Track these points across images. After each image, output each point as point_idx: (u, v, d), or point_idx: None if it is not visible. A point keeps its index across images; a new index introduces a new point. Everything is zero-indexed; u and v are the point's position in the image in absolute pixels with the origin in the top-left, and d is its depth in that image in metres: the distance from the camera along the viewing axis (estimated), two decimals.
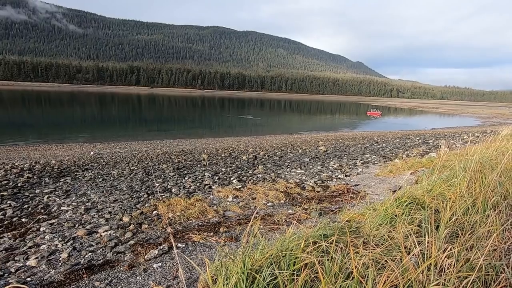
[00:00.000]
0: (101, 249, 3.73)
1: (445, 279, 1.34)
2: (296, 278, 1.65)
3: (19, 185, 6.93)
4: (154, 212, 5.11)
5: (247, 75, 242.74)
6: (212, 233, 4.12)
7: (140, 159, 11.06)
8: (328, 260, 1.80)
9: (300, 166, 9.46)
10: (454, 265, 1.41)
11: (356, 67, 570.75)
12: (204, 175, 8.10)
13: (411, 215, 2.82)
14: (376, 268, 1.54)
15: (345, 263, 1.70)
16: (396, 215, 3.08)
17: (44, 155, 12.77)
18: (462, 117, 61.50)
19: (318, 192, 6.30)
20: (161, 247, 3.62)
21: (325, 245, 1.87)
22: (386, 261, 1.53)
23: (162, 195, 6.09)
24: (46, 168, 9.02)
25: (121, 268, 3.23)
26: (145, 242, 3.87)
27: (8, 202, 5.70)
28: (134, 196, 6.20)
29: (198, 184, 7.09)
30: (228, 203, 5.58)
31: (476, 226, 2.44)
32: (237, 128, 31.00)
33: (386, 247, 2.17)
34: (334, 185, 6.82)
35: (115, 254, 3.58)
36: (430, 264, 1.42)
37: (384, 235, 2.71)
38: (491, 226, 2.14)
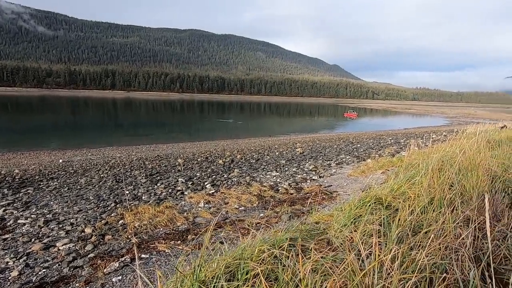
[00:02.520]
0: (57, 265, 3.49)
1: (389, 282, 1.33)
2: None
3: None
4: (120, 221, 4.88)
5: (227, 78, 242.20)
6: (179, 241, 3.98)
7: (112, 166, 10.63)
8: (281, 268, 1.75)
9: (276, 168, 9.46)
10: (398, 267, 1.40)
11: (333, 70, 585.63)
12: (178, 181, 7.89)
13: (373, 215, 2.85)
14: (324, 274, 1.51)
15: (296, 270, 1.66)
16: (360, 216, 3.11)
17: (6, 164, 11.95)
18: (432, 116, 64.66)
19: (292, 194, 6.30)
20: (123, 259, 3.45)
21: (278, 252, 1.83)
22: (330, 267, 1.51)
23: (130, 203, 5.84)
24: (7, 179, 8.44)
25: (77, 285, 3.03)
26: (107, 255, 3.67)
27: None
28: (100, 205, 5.91)
29: (170, 190, 6.89)
30: (200, 209, 5.44)
31: (432, 224, 2.50)
32: (216, 131, 30.69)
33: (344, 248, 2.17)
34: (308, 187, 6.87)
35: (71, 269, 3.35)
36: (377, 266, 1.41)
37: (346, 236, 2.72)
38: (444, 223, 2.19)
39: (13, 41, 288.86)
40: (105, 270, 3.25)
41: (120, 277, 3.12)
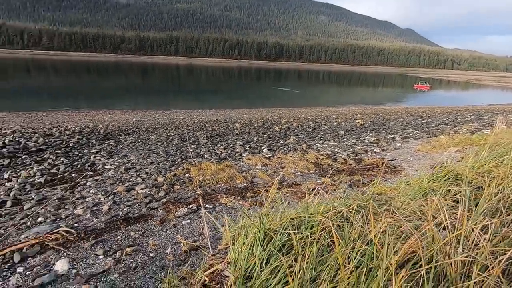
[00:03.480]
0: (137, 204, 4.04)
1: (476, 253, 1.21)
2: (312, 241, 1.62)
3: (70, 145, 7.66)
4: (186, 175, 5.36)
5: (285, 45, 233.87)
6: (239, 197, 4.23)
7: (177, 127, 11.51)
8: (347, 226, 1.73)
9: (334, 138, 9.15)
10: (489, 240, 1.26)
11: (406, 35, 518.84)
12: (236, 143, 8.22)
13: (448, 190, 2.59)
14: (400, 238, 1.45)
15: (365, 230, 1.62)
16: (432, 190, 2.86)
17: (92, 120, 13.85)
18: None
19: (350, 164, 6.08)
20: (190, 206, 3.82)
21: (346, 211, 1.80)
22: (409, 229, 1.43)
23: (194, 160, 6.34)
24: (94, 131, 9.81)
25: (154, 222, 3.49)
26: (176, 201, 4.11)
27: (61, 159, 6.35)
28: (169, 159, 6.54)
29: (229, 152, 7.24)
30: (257, 170, 5.64)
31: None
32: (272, 99, 30.55)
33: (415, 219, 2.04)
34: (368, 159, 6.53)
35: (149, 210, 3.86)
36: (460, 237, 1.29)
37: (414, 208, 2.55)
38: None
39: (94, 9, 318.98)
40: (176, 213, 3.67)
41: (188, 221, 3.49)
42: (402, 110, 19.10)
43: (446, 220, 1.43)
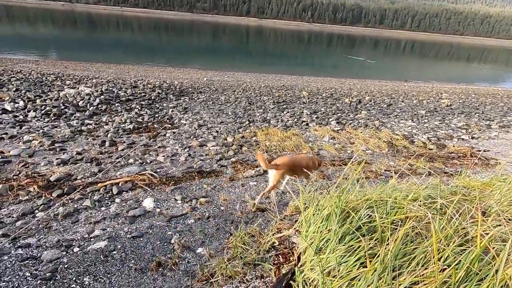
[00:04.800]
0: (209, 160, 4.35)
1: None
2: (398, 228, 1.51)
3: (152, 98, 8.47)
4: (253, 138, 5.50)
5: (365, 7, 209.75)
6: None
7: (244, 89, 11.70)
8: (440, 219, 1.57)
9: (412, 118, 8.23)
10: None
11: None
12: (303, 112, 8.04)
13: None
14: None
15: (463, 227, 1.44)
16: None
17: (169, 76, 14.94)
18: None
19: (431, 149, 5.45)
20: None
21: (443, 203, 1.62)
22: None
23: (261, 124, 6.43)
24: (171, 87, 10.62)
25: (223, 179, 3.72)
26: (244, 162, 4.29)
27: (145, 110, 7.10)
28: (237, 121, 6.76)
29: (295, 120, 7.13)
30: (324, 142, 5.47)
31: None
32: (343, 69, 28.50)
33: None
34: (454, 146, 5.74)
35: (219, 166, 4.12)
36: None
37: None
38: None
39: None
40: (244, 173, 3.85)
41: (255, 183, 3.64)
42: (503, 93, 15.99)
43: None
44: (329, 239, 1.71)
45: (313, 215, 2.09)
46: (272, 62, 28.99)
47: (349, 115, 8.10)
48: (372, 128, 6.78)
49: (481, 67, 40.53)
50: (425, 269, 1.33)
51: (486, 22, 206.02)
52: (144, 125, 5.95)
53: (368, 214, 1.69)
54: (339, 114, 8.13)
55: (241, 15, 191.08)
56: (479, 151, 5.40)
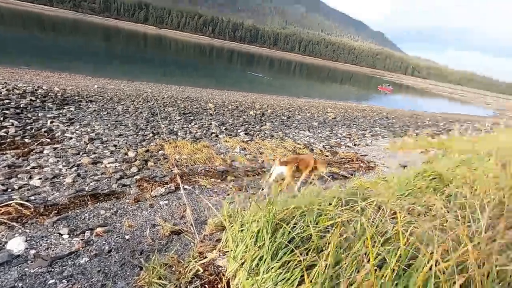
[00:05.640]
0: (106, 180, 3.64)
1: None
2: (327, 235, 1.51)
3: (21, 106, 6.70)
4: (160, 151, 4.98)
5: (261, 29, 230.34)
6: (219, 180, 4.02)
7: (146, 99, 10.73)
8: (360, 222, 1.65)
9: (309, 129, 9.24)
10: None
11: (376, 38, 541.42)
12: (211, 124, 7.89)
13: (438, 189, 2.68)
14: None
15: (383, 227, 1.55)
16: (419, 188, 2.95)
17: (46, 81, 12.34)
18: (475, 106, 59.96)
19: (327, 156, 6.16)
20: (168, 186, 3.54)
21: (363, 205, 1.72)
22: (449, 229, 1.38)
23: (168, 137, 5.93)
24: (49, 94, 8.73)
25: (127, 201, 3.16)
26: (151, 179, 3.78)
27: (11, 121, 5.52)
28: (139, 133, 6.04)
29: (204, 132, 6.91)
30: (236, 153, 5.44)
31: None
32: (244, 83, 30.01)
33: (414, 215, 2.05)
34: (343, 152, 6.68)
35: (120, 186, 3.49)
36: None
37: (407, 205, 2.59)
38: None
39: None
40: (151, 193, 3.36)
41: (166, 202, 3.22)
42: (368, 108, 20.02)
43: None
44: (262, 256, 1.57)
45: (240, 231, 1.92)
46: (175, 73, 27.97)
47: (255, 127, 8.44)
48: (278, 138, 7.22)
49: (351, 88, 50.03)
50: (358, 272, 1.34)
51: (351, 53, 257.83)
52: (9, 139, 4.59)
53: (298, 224, 1.64)
54: (246, 126, 8.35)
55: (138, 22, 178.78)
56: (362, 155, 6.44)
